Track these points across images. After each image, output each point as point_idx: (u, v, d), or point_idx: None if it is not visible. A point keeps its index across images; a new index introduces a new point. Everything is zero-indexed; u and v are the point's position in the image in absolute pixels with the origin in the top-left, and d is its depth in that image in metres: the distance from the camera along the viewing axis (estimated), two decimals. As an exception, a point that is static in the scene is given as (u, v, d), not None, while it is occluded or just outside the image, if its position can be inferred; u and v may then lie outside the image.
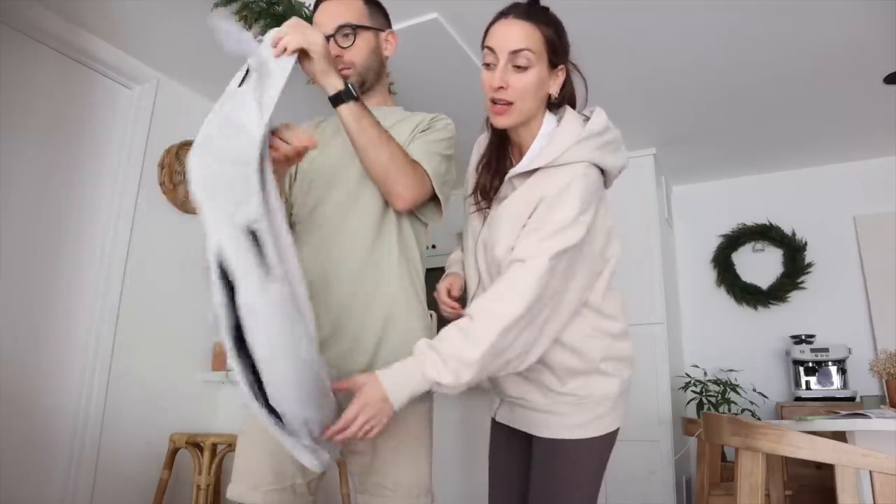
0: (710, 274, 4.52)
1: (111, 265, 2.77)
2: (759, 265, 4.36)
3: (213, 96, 3.36)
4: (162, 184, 3.02)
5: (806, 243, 4.25)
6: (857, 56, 3.01)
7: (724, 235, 4.52)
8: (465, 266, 1.39)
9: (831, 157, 4.21)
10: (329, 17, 1.39)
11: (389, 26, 1.49)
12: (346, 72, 1.36)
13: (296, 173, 1.43)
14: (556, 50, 1.22)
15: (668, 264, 4.27)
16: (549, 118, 1.29)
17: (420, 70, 3.08)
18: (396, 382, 1.06)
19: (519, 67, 1.18)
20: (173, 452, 2.63)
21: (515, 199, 1.25)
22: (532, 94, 1.21)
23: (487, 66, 1.21)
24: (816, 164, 4.32)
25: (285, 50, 1.13)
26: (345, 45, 1.38)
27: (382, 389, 1.05)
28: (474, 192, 1.35)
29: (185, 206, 3.12)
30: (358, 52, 1.39)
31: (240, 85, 1.11)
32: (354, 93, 1.18)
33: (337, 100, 1.19)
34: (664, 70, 3.17)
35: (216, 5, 2.37)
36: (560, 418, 1.26)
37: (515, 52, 1.18)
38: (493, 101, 1.21)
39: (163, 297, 2.98)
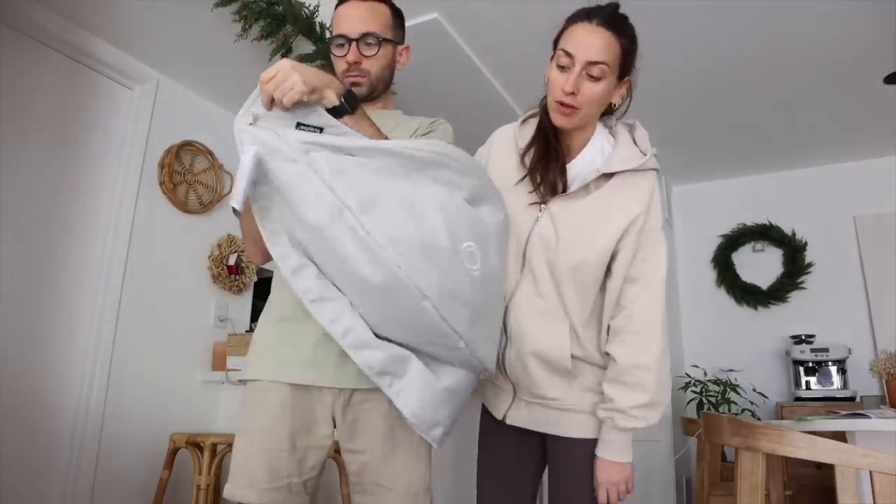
0: (710, 274, 4.52)
1: (111, 265, 2.77)
2: (759, 265, 4.36)
3: (213, 96, 3.38)
4: (162, 184, 3.02)
5: (806, 243, 4.25)
6: (857, 56, 3.01)
7: (724, 235, 4.53)
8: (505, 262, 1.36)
9: (831, 157, 4.21)
10: (356, 21, 1.36)
11: (403, 40, 1.48)
12: (359, 79, 1.35)
13: None
14: (627, 62, 1.26)
15: (668, 264, 4.26)
16: (598, 124, 1.35)
17: (420, 70, 3.07)
18: (612, 450, 1.24)
19: (592, 77, 1.22)
20: (173, 452, 2.63)
21: (600, 202, 1.29)
22: (598, 103, 1.26)
23: (562, 67, 1.24)
24: (816, 164, 4.32)
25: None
26: (367, 54, 1.35)
27: (608, 461, 1.24)
28: (537, 185, 1.32)
29: (185, 206, 3.12)
30: (376, 62, 1.37)
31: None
32: (349, 107, 1.16)
33: (334, 113, 1.17)
34: (664, 70, 3.17)
35: (216, 5, 2.37)
36: (592, 417, 1.30)
37: (592, 63, 1.21)
38: (560, 103, 1.24)
39: (163, 297, 2.97)
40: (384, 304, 1.07)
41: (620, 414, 1.23)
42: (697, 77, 3.24)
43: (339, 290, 1.10)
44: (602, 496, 1.24)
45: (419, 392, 1.10)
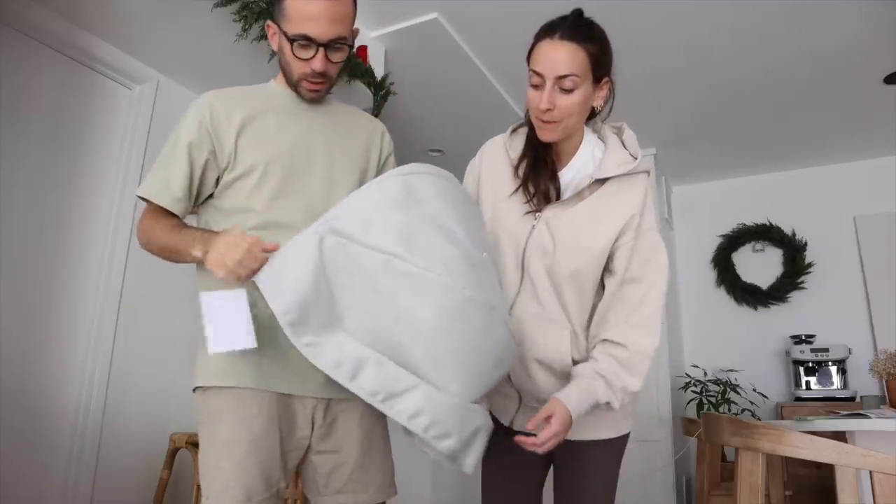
0: (710, 274, 4.52)
1: (111, 265, 2.77)
2: (759, 265, 4.36)
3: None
4: (162, 184, 3.02)
5: (806, 243, 4.25)
6: (857, 56, 3.01)
7: (724, 235, 4.52)
8: (502, 267, 1.35)
9: (831, 157, 4.21)
10: (325, 22, 1.19)
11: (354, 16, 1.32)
12: (321, 87, 1.28)
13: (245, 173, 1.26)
14: (600, 65, 1.26)
15: (668, 264, 4.26)
16: (586, 129, 1.36)
17: (420, 70, 3.08)
18: (579, 406, 1.20)
19: (564, 90, 1.23)
20: (173, 452, 2.63)
21: (595, 207, 1.30)
22: (578, 112, 1.26)
23: (535, 86, 1.26)
24: (816, 164, 4.32)
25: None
26: (335, 60, 1.25)
27: (569, 411, 1.18)
28: (530, 193, 1.32)
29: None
30: (339, 66, 1.28)
31: None
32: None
33: None
34: (664, 70, 3.17)
35: (216, 5, 2.37)
36: (596, 420, 1.30)
37: (561, 77, 1.22)
38: (541, 120, 1.26)
39: (163, 297, 2.97)
40: (461, 337, 1.06)
41: (608, 386, 1.22)
42: (697, 77, 3.23)
43: (416, 373, 1.07)
44: (544, 442, 1.17)
45: (478, 455, 1.15)
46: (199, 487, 2.47)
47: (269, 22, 1.29)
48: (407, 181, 1.12)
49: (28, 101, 2.56)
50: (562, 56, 1.21)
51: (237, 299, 1.08)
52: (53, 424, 2.53)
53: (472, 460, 1.14)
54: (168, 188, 1.23)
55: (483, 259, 1.15)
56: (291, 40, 1.20)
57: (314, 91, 1.28)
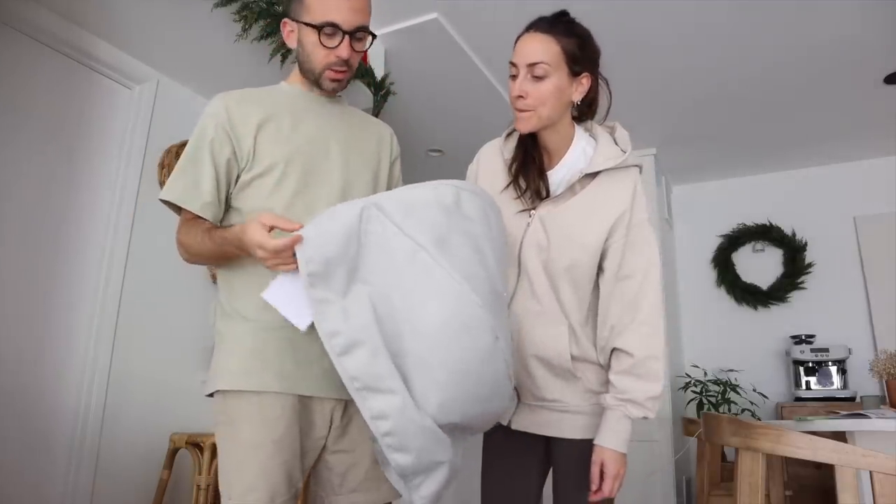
0: (710, 274, 4.52)
1: (111, 265, 2.77)
2: (759, 265, 4.36)
3: (213, 96, 3.37)
4: (162, 184, 3.02)
5: (806, 243, 4.25)
6: (857, 56, 3.01)
7: (724, 235, 4.52)
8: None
9: (831, 157, 4.21)
10: (350, 11, 1.23)
11: None
12: (343, 76, 1.29)
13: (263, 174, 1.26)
14: (577, 60, 1.30)
15: (668, 264, 4.27)
16: (578, 128, 1.39)
17: (420, 70, 3.08)
18: (620, 440, 1.26)
19: (536, 77, 1.28)
20: (173, 452, 2.63)
21: (586, 202, 1.32)
22: (550, 101, 1.29)
23: (512, 77, 1.31)
24: (816, 164, 4.32)
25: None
26: (359, 49, 1.27)
27: (617, 452, 1.25)
28: (521, 189, 1.36)
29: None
30: (360, 56, 1.30)
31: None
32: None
33: None
34: (664, 70, 3.17)
35: (216, 5, 2.37)
36: (594, 418, 1.32)
37: (532, 65, 1.28)
38: (517, 109, 1.31)
39: (163, 296, 2.97)
40: (459, 352, 1.04)
41: (634, 405, 1.25)
42: (697, 77, 3.23)
43: (402, 370, 1.05)
44: (611, 488, 1.24)
45: (434, 490, 1.12)
46: (198, 487, 2.48)
47: (284, 20, 1.30)
48: (460, 194, 1.14)
49: (27, 100, 2.56)
50: (534, 46, 1.28)
51: (293, 279, 1.09)
52: (53, 425, 2.53)
53: (426, 491, 1.10)
54: (197, 192, 1.22)
55: (503, 295, 1.16)
56: (319, 27, 1.23)
57: (337, 81, 1.29)
